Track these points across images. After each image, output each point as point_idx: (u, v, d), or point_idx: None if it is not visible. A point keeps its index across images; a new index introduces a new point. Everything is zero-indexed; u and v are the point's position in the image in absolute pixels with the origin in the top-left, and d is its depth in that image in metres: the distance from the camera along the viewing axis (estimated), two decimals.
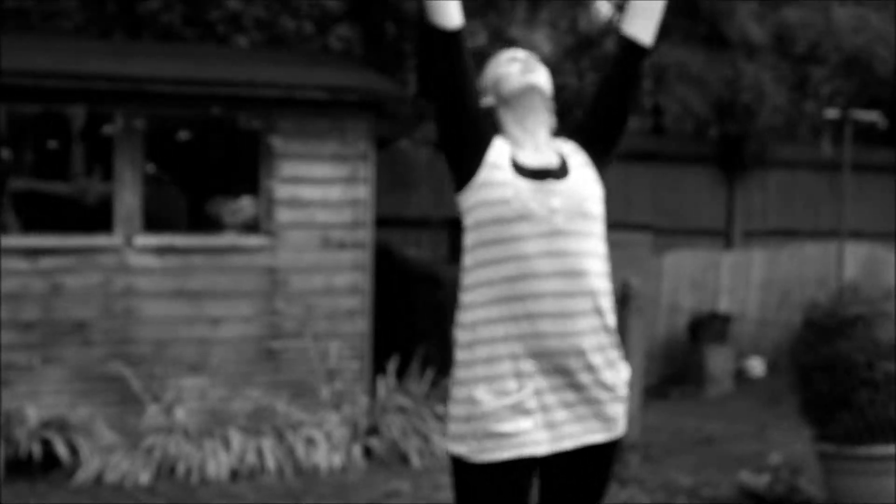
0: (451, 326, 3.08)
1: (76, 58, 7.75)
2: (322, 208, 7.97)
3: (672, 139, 13.01)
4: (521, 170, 2.82)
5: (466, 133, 2.84)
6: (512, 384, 2.76)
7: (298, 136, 7.89)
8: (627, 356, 7.56)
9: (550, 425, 2.79)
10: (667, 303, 10.88)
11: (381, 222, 9.90)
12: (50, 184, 7.91)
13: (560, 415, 2.79)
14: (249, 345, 7.82)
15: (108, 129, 7.49)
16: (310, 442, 7.35)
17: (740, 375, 11.04)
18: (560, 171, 2.85)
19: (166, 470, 7.05)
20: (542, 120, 2.93)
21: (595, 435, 2.83)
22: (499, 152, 2.84)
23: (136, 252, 7.56)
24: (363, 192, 8.06)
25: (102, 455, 7.03)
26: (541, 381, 2.77)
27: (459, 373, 2.82)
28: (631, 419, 7.65)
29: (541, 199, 2.78)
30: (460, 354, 2.83)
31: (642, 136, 13.52)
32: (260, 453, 7.21)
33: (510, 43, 12.87)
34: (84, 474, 6.91)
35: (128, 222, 7.54)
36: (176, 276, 7.64)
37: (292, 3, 11.95)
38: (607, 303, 2.84)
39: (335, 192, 7.99)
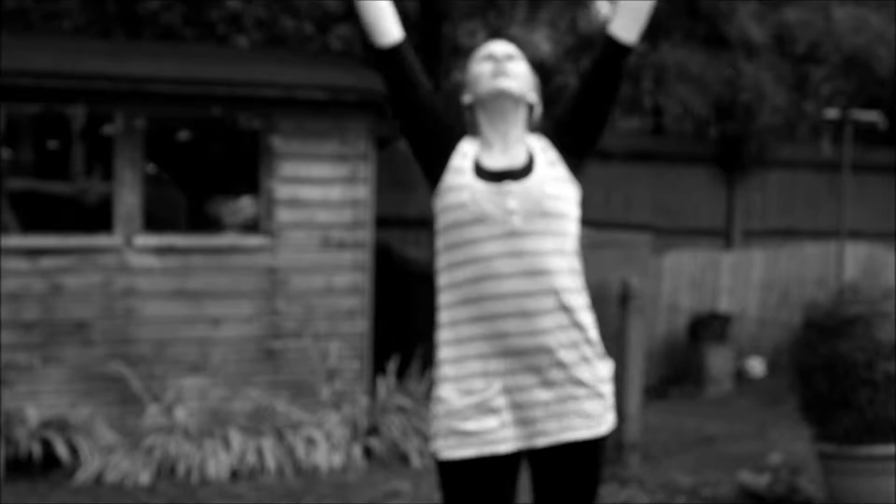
0: None
1: (76, 58, 7.75)
2: (322, 208, 7.97)
3: (672, 139, 13.01)
4: (481, 172, 2.85)
5: (426, 142, 2.93)
6: (479, 383, 2.81)
7: (298, 136, 7.90)
8: (627, 356, 7.59)
9: (522, 423, 2.82)
10: (667, 303, 10.89)
11: (381, 222, 9.90)
12: (50, 184, 7.90)
13: (534, 412, 2.81)
14: (249, 345, 7.83)
15: (108, 129, 7.49)
16: (310, 442, 7.35)
17: (740, 375, 11.04)
18: (522, 171, 2.86)
19: (166, 470, 7.05)
20: (512, 121, 2.94)
21: (576, 432, 2.84)
22: (463, 156, 2.90)
23: (137, 252, 7.56)
24: (363, 191, 8.06)
25: (102, 455, 7.03)
26: (510, 380, 2.81)
27: (436, 371, 2.91)
28: (631, 419, 7.68)
29: (497, 201, 2.81)
30: (437, 353, 2.91)
31: (642, 136, 13.53)
32: (260, 453, 7.21)
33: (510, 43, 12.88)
34: (84, 474, 6.91)
35: (128, 222, 7.54)
36: (176, 276, 7.64)
37: (292, 3, 11.95)
38: (576, 300, 2.85)
39: (335, 192, 8.00)
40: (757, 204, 12.82)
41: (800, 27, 11.05)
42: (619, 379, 7.68)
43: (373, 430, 7.68)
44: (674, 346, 10.83)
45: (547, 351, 2.81)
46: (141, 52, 8.44)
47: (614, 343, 7.68)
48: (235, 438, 7.22)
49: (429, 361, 8.21)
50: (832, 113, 11.30)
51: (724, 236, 12.57)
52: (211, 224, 8.05)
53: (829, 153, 12.23)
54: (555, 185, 2.86)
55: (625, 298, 7.54)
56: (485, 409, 2.81)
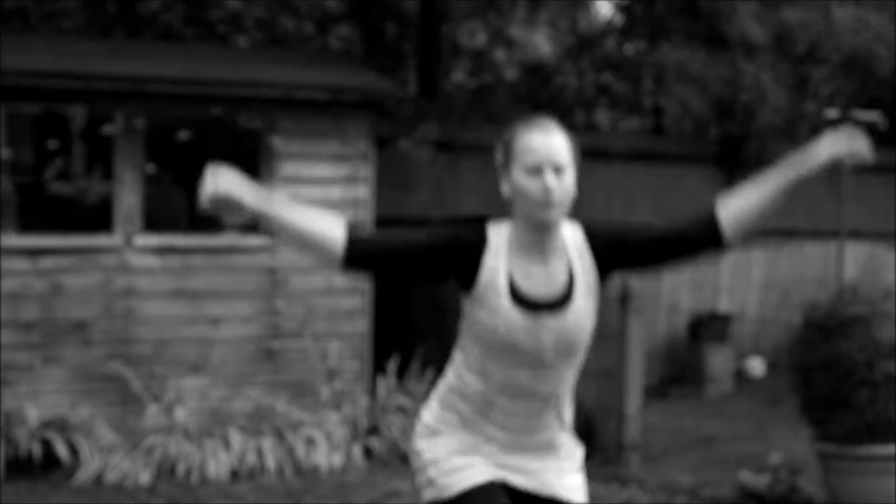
0: (450, 326, 3.11)
1: (76, 58, 7.75)
2: (322, 208, 7.95)
3: (672, 139, 13.01)
4: (518, 298, 2.78)
5: (446, 275, 2.84)
6: (474, 451, 2.91)
7: (299, 136, 7.89)
8: (627, 356, 7.59)
9: (510, 467, 2.92)
10: (666, 303, 10.88)
11: (382, 222, 9.89)
12: (50, 184, 7.90)
13: (518, 467, 2.92)
14: (249, 345, 7.82)
15: (108, 129, 7.48)
16: (310, 442, 7.34)
17: (740, 375, 11.03)
18: (560, 301, 2.81)
19: (166, 470, 7.05)
20: (553, 233, 2.82)
21: (553, 489, 2.93)
22: (493, 271, 2.78)
23: (137, 252, 7.56)
24: (363, 191, 8.05)
25: (103, 455, 7.03)
26: (503, 456, 2.91)
27: (422, 433, 2.96)
28: (631, 419, 7.67)
29: (532, 335, 2.80)
30: (427, 421, 2.96)
31: (643, 136, 13.52)
32: (260, 453, 7.21)
33: (509, 43, 12.88)
34: (84, 474, 6.91)
35: (128, 222, 7.54)
36: (176, 275, 7.64)
37: (292, 3, 11.95)
38: (565, 407, 2.96)
39: (335, 192, 7.99)
40: None
41: (800, 27, 11.05)
42: (619, 379, 7.67)
43: (373, 430, 7.67)
44: (674, 346, 10.82)
45: (535, 447, 2.92)
46: (141, 52, 8.43)
47: (614, 343, 7.67)
48: (235, 438, 7.21)
49: (429, 361, 8.20)
50: (832, 113, 11.28)
51: None
52: (211, 224, 8.04)
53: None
54: (588, 317, 2.85)
55: (625, 298, 7.53)
56: (472, 453, 2.90)
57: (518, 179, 2.77)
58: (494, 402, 2.86)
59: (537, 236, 2.80)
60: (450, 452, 2.90)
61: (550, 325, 2.80)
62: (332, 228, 2.74)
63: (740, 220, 2.84)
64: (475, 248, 2.80)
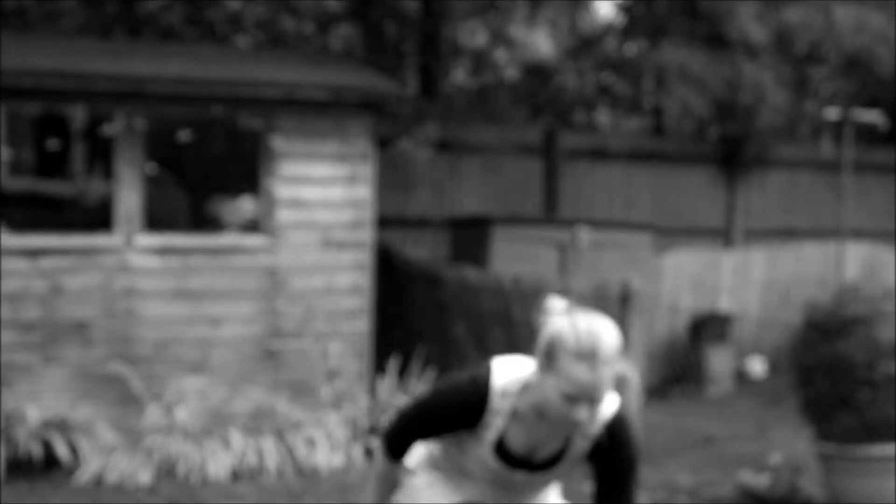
0: (451, 326, 3.12)
1: (76, 58, 7.75)
2: (322, 208, 7.96)
3: (673, 139, 13.01)
4: (501, 452, 2.79)
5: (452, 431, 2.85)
6: (444, 485, 2.94)
7: (299, 136, 7.89)
8: (628, 356, 7.57)
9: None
10: (667, 302, 10.88)
11: (382, 222, 9.90)
12: (50, 184, 7.90)
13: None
14: (250, 345, 7.82)
15: (108, 129, 7.48)
16: (310, 442, 7.34)
17: (741, 375, 11.03)
18: (542, 465, 2.81)
19: (167, 470, 7.04)
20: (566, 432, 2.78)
21: None
22: (488, 426, 2.77)
23: (137, 252, 7.56)
24: (364, 191, 8.05)
25: (103, 455, 7.02)
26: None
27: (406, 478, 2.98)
28: (631, 419, 7.66)
29: (502, 479, 2.83)
30: (409, 464, 2.97)
31: (643, 136, 13.52)
32: (260, 453, 7.20)
33: (510, 43, 12.86)
34: (84, 474, 6.90)
35: (128, 222, 7.53)
36: (176, 275, 7.63)
37: (292, 3, 11.96)
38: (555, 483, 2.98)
39: (336, 192, 7.99)
40: (758, 204, 12.82)
41: (800, 27, 11.05)
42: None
43: (373, 430, 7.67)
44: (674, 345, 10.82)
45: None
46: (141, 52, 8.44)
47: None
48: (236, 438, 7.21)
49: (429, 361, 8.20)
50: (833, 113, 11.30)
51: (724, 236, 12.56)
52: (211, 224, 8.04)
53: (829, 153, 12.22)
54: (566, 471, 2.85)
55: (625, 298, 7.53)
56: (450, 482, 2.94)
57: (550, 395, 2.64)
58: (473, 479, 2.90)
59: (549, 433, 2.77)
60: (431, 483, 2.94)
61: (523, 479, 2.83)
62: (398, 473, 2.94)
63: None
64: (474, 411, 2.76)
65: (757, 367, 11.26)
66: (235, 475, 7.12)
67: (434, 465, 2.95)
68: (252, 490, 6.90)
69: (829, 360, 6.25)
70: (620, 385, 2.78)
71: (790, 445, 7.62)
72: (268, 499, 6.74)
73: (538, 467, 2.80)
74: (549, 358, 2.64)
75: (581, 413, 2.62)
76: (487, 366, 2.78)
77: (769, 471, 6.59)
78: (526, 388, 2.73)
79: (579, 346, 2.61)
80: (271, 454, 7.18)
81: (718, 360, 10.52)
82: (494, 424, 2.75)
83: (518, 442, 2.76)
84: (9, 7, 10.92)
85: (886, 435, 6.16)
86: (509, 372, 2.77)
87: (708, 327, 10.54)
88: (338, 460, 7.33)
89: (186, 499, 6.69)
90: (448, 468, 2.93)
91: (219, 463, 7.07)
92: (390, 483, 2.93)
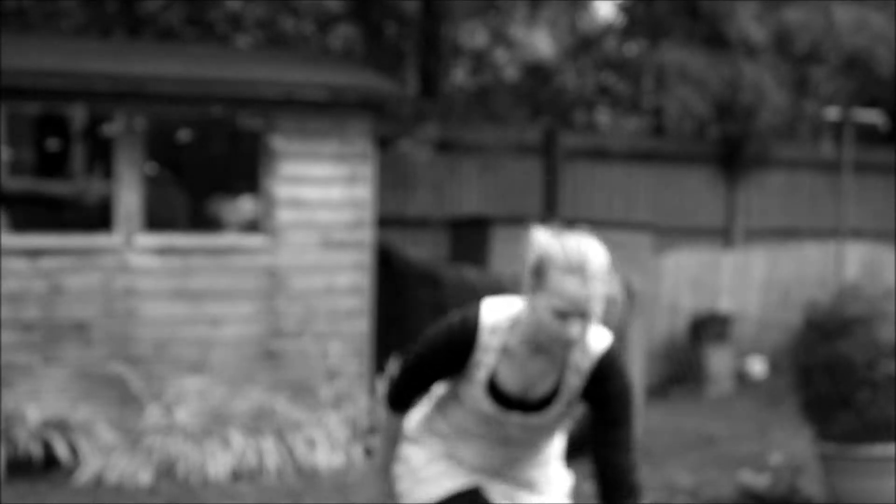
0: None
1: (76, 57, 7.74)
2: (322, 208, 7.96)
3: (673, 139, 13.00)
4: (494, 393, 2.79)
5: (449, 374, 2.86)
6: (442, 464, 2.93)
7: (299, 136, 7.88)
8: (628, 356, 7.56)
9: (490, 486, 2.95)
10: (667, 302, 10.88)
11: (382, 222, 9.89)
12: (50, 184, 7.90)
13: (497, 491, 2.94)
14: (250, 345, 7.81)
15: (108, 129, 7.48)
16: (310, 442, 7.34)
17: (741, 375, 11.03)
18: (536, 406, 2.79)
19: (166, 470, 7.03)
20: (559, 359, 2.77)
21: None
22: (479, 364, 2.77)
23: (137, 252, 7.55)
24: (363, 191, 8.05)
25: (102, 455, 7.02)
26: (479, 476, 2.93)
27: (407, 440, 2.99)
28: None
29: (498, 423, 2.82)
30: (412, 434, 2.98)
31: (643, 136, 13.51)
32: (260, 453, 7.20)
33: (510, 43, 12.86)
34: (84, 474, 6.90)
35: (128, 222, 7.53)
36: (176, 276, 7.63)
37: (292, 3, 11.95)
38: (550, 449, 2.96)
39: (336, 192, 7.99)
40: (758, 204, 12.81)
41: (800, 27, 11.04)
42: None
43: (373, 430, 7.66)
44: (674, 345, 10.82)
45: (514, 482, 2.94)
46: (141, 52, 8.43)
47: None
48: (236, 438, 7.21)
49: None
50: (833, 113, 11.29)
51: (724, 236, 12.56)
52: (211, 224, 8.04)
53: (829, 153, 12.21)
54: (563, 417, 2.84)
55: (626, 299, 7.52)
56: (450, 459, 2.93)
57: (542, 313, 2.65)
58: (470, 435, 2.90)
59: (544, 357, 2.76)
60: (430, 460, 2.93)
61: (517, 422, 2.81)
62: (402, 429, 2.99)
63: None
64: (463, 349, 2.76)
65: (757, 367, 11.25)
66: (235, 475, 7.11)
67: (432, 430, 2.95)
68: (252, 490, 6.90)
69: (830, 360, 6.25)
70: (610, 307, 2.75)
71: (790, 445, 7.62)
72: (268, 499, 6.73)
73: (532, 409, 2.78)
74: (539, 276, 2.65)
75: (574, 329, 2.62)
76: (477, 305, 2.80)
77: (769, 471, 6.59)
78: (516, 323, 2.74)
79: (568, 261, 2.63)
80: (271, 454, 7.17)
81: (718, 360, 10.52)
82: (485, 362, 2.76)
83: (510, 380, 2.76)
84: (9, 7, 10.91)
85: (886, 435, 6.16)
86: (499, 310, 2.78)
87: (708, 327, 10.54)
88: (338, 460, 7.33)
89: (186, 499, 6.68)
90: (445, 431, 2.92)
91: (219, 463, 7.06)
92: (397, 439, 2.97)
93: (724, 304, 11.28)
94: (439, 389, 2.94)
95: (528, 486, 2.96)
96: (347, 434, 7.51)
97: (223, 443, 7.18)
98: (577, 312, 2.63)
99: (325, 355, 7.91)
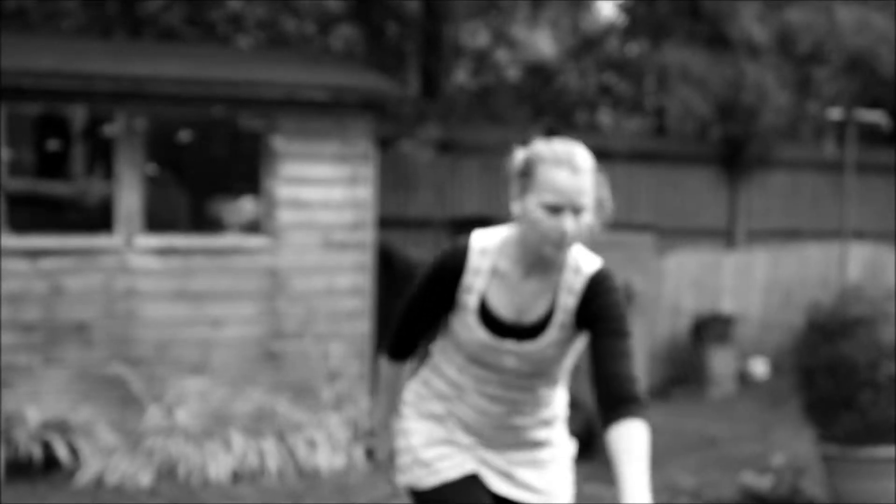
0: None
1: (77, 58, 7.73)
2: (323, 209, 7.94)
3: (675, 140, 12.98)
4: (487, 319, 2.77)
5: (447, 307, 2.85)
6: (448, 434, 2.90)
7: (300, 137, 7.87)
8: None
9: (488, 464, 2.90)
10: (669, 303, 10.86)
11: (383, 223, 9.87)
12: (50, 184, 7.88)
13: (496, 463, 2.90)
14: (251, 346, 7.80)
15: (108, 130, 7.47)
16: (311, 443, 7.32)
17: (743, 376, 11.00)
18: (531, 331, 2.76)
19: (167, 471, 7.02)
20: (552, 277, 2.75)
21: (529, 494, 2.91)
22: (470, 289, 2.77)
23: (137, 253, 7.54)
24: (365, 192, 8.03)
25: (103, 456, 7.00)
26: (477, 443, 2.89)
27: (408, 410, 2.96)
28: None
29: (494, 354, 2.78)
30: (411, 398, 2.96)
31: (645, 136, 13.49)
32: (261, 455, 7.18)
33: (511, 43, 12.86)
34: (84, 476, 6.88)
35: (128, 223, 7.52)
36: (177, 276, 7.61)
37: (293, 4, 11.93)
38: (549, 411, 2.90)
39: (337, 193, 7.97)
40: (760, 204, 12.79)
41: (803, 27, 11.02)
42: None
43: (374, 432, 7.64)
44: (676, 346, 10.79)
45: (512, 437, 2.89)
46: (142, 53, 8.42)
47: None
48: (236, 440, 7.19)
49: None
50: (835, 113, 11.27)
51: (726, 237, 12.53)
52: (212, 225, 8.03)
53: (832, 154, 12.19)
54: (559, 347, 2.79)
55: (627, 299, 7.50)
56: (452, 443, 2.89)
57: (533, 211, 2.66)
58: (468, 391, 2.85)
59: (536, 258, 2.73)
60: (430, 441, 2.89)
61: (513, 350, 2.77)
62: (405, 372, 3.02)
63: (608, 447, 2.62)
64: (453, 273, 2.76)
65: (759, 368, 11.23)
66: (236, 476, 7.10)
67: (430, 391, 2.92)
68: (253, 491, 6.88)
69: (832, 361, 6.23)
70: (599, 207, 2.76)
71: (792, 447, 7.60)
72: (269, 500, 6.72)
73: (527, 335, 2.75)
74: (528, 175, 2.67)
75: (566, 222, 2.62)
76: (467, 235, 2.84)
77: (771, 472, 6.57)
78: (506, 244, 2.76)
79: (556, 155, 2.66)
80: (272, 455, 7.16)
81: (720, 362, 10.50)
82: (476, 287, 2.75)
83: (503, 304, 2.75)
84: (9, 7, 10.90)
85: (889, 436, 6.14)
86: (487, 235, 2.80)
87: (710, 328, 10.51)
88: (339, 461, 7.31)
89: (187, 500, 6.67)
90: (444, 391, 2.89)
91: (220, 464, 7.05)
92: (397, 391, 2.99)
93: (726, 305, 11.26)
94: (435, 348, 2.93)
95: (533, 444, 2.91)
96: (348, 435, 7.49)
97: (224, 444, 7.17)
98: (568, 205, 2.63)
99: (326, 356, 7.89)
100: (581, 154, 2.67)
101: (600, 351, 2.64)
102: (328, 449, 7.31)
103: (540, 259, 2.72)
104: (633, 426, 2.54)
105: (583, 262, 2.76)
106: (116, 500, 6.63)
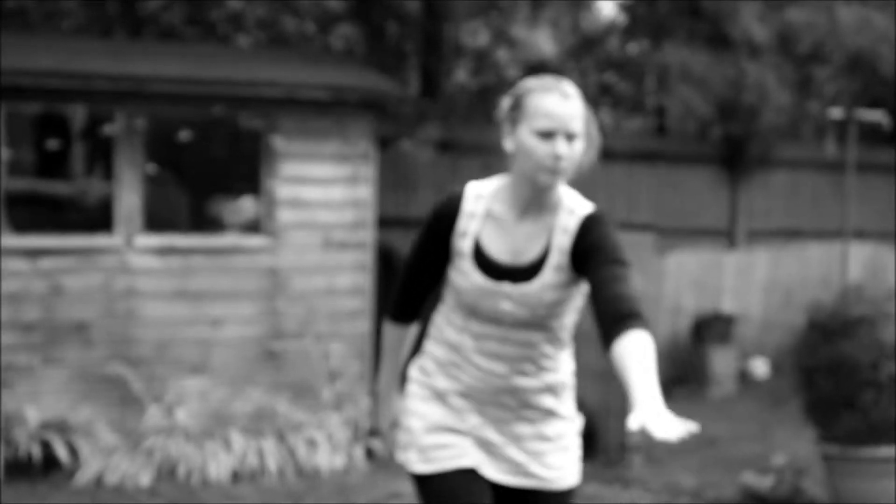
0: None
1: (77, 57, 7.71)
2: (324, 208, 7.92)
3: (675, 139, 12.97)
4: (482, 263, 2.77)
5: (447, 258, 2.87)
6: (454, 416, 2.86)
7: (300, 136, 7.85)
8: None
9: (488, 453, 2.87)
10: (670, 303, 10.84)
11: (383, 222, 9.83)
12: (50, 184, 7.86)
13: (497, 446, 2.86)
14: (251, 346, 7.78)
15: (108, 129, 7.45)
16: (311, 443, 7.31)
17: (744, 376, 10.98)
18: (526, 273, 2.75)
19: (167, 471, 7.01)
20: (547, 198, 2.77)
21: (535, 482, 2.88)
22: (464, 234, 2.79)
23: (137, 252, 7.52)
24: (365, 192, 8.01)
25: (103, 456, 6.99)
26: (480, 419, 2.86)
27: (412, 389, 2.95)
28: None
29: (491, 299, 2.77)
30: (416, 375, 2.96)
31: (645, 136, 13.47)
32: (261, 454, 7.16)
33: (512, 42, 12.84)
34: (84, 476, 6.87)
35: (128, 222, 7.50)
36: (177, 276, 7.60)
37: (294, 3, 11.92)
38: (553, 376, 2.88)
39: (337, 193, 7.95)
40: (761, 204, 12.78)
41: (803, 27, 11.01)
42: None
43: (375, 432, 7.63)
44: (677, 347, 10.78)
45: (515, 409, 2.86)
46: (142, 52, 8.40)
47: None
48: (236, 440, 7.17)
49: None
50: (836, 113, 11.25)
51: (727, 237, 12.51)
52: (212, 224, 8.01)
53: (833, 153, 12.17)
54: (556, 292, 2.77)
55: None
56: (460, 432, 2.86)
57: (526, 140, 2.71)
58: (468, 351, 2.84)
59: (531, 197, 2.76)
60: (430, 427, 2.87)
61: (509, 293, 2.76)
62: (409, 337, 3.05)
63: (614, 364, 2.57)
64: (448, 219, 2.81)
65: (760, 368, 11.21)
66: (236, 476, 7.08)
67: (432, 367, 2.91)
68: (253, 491, 6.87)
69: (833, 361, 6.21)
70: (590, 141, 2.79)
71: (793, 447, 7.58)
72: (269, 500, 6.70)
73: (522, 277, 2.74)
74: (518, 107, 2.74)
75: (559, 146, 2.66)
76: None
77: (772, 472, 6.55)
78: (500, 188, 2.80)
79: (544, 84, 2.74)
80: (272, 455, 7.14)
81: (721, 362, 10.48)
82: (471, 230, 2.78)
83: (498, 247, 2.77)
84: (9, 7, 10.89)
85: (890, 436, 6.12)
86: (482, 183, 2.86)
87: (710, 328, 10.50)
88: (339, 461, 7.29)
89: (187, 500, 6.65)
90: (445, 357, 2.88)
91: (220, 464, 7.03)
92: (400, 356, 3.03)
93: (727, 305, 11.24)
94: (436, 316, 2.93)
95: (537, 432, 2.87)
96: (349, 435, 7.47)
97: (224, 444, 7.15)
98: (561, 129, 2.68)
99: (326, 356, 7.87)
100: (569, 84, 2.75)
101: (598, 278, 2.63)
102: (328, 449, 7.29)
103: (535, 195, 2.75)
104: (637, 337, 2.49)
105: (577, 205, 2.79)
106: (116, 500, 6.61)
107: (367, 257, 8.06)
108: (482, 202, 2.80)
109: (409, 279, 2.90)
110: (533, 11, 12.46)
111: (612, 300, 2.56)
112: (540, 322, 2.79)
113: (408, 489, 6.85)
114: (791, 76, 11.29)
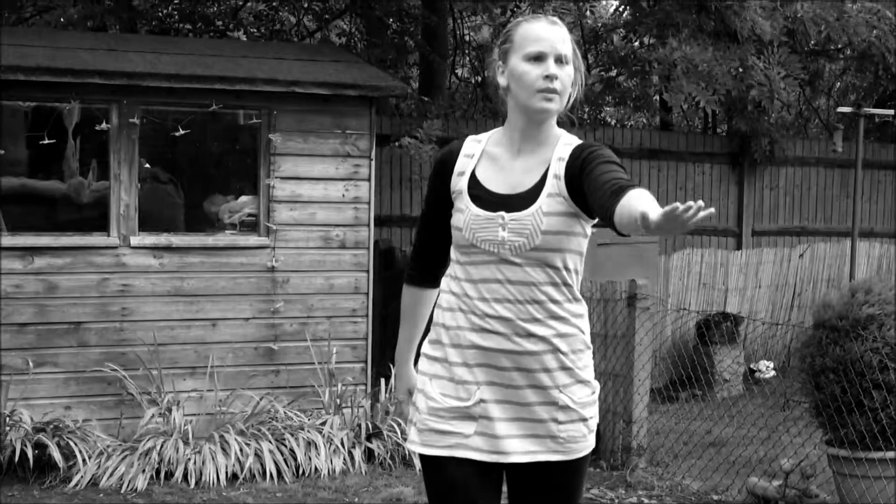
0: None
1: (71, 53, 7.62)
2: (322, 207, 7.83)
3: (681, 136, 12.86)
4: (478, 195, 2.82)
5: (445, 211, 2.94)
6: (461, 391, 2.85)
7: (298, 133, 7.76)
8: (635, 357, 7.43)
9: (490, 437, 2.84)
10: (675, 303, 10.74)
11: (383, 221, 9.77)
12: (44, 182, 7.76)
13: (501, 429, 2.82)
14: (248, 346, 7.69)
15: (103, 126, 7.35)
16: (310, 445, 7.22)
17: (750, 377, 10.89)
18: (522, 200, 2.79)
19: (164, 474, 6.93)
20: (545, 128, 2.85)
21: (547, 455, 2.84)
22: (462, 174, 2.87)
23: (133, 251, 7.43)
24: (364, 190, 7.92)
25: (98, 459, 6.91)
26: (487, 393, 2.83)
27: (421, 365, 2.97)
28: (638, 422, 7.53)
29: (489, 230, 2.79)
30: (425, 348, 2.97)
31: (651, 132, 13.36)
32: (259, 457, 7.09)
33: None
34: (79, 479, 6.79)
35: (124, 221, 7.41)
36: (173, 276, 7.51)
37: None
38: (565, 327, 2.83)
39: (335, 191, 7.86)
40: (767, 202, 12.67)
41: (812, 22, 10.89)
42: (626, 381, 7.53)
43: (374, 433, 7.55)
44: (682, 347, 10.68)
45: (527, 372, 2.82)
46: (137, 47, 8.29)
47: (621, 344, 7.53)
48: (234, 442, 7.09)
49: None
50: (845, 109, 11.14)
51: (733, 235, 12.42)
52: (209, 223, 7.91)
53: (841, 150, 12.07)
54: (553, 219, 2.78)
55: (632, 299, 7.39)
56: (463, 414, 2.84)
57: (518, 66, 2.78)
58: (474, 300, 2.82)
59: (528, 128, 2.81)
60: (433, 410, 2.86)
61: (507, 222, 2.78)
62: (428, 301, 3.09)
63: (622, 219, 2.52)
64: (448, 163, 2.89)
65: (766, 368, 11.11)
66: (234, 479, 7.01)
67: (441, 334, 2.89)
68: (251, 494, 6.79)
69: (841, 362, 6.11)
70: (577, 72, 2.88)
71: (800, 449, 7.47)
72: (267, 503, 6.62)
73: (519, 206, 2.76)
74: (507, 41, 2.83)
75: (551, 67, 2.74)
76: None
77: (779, 475, 6.46)
78: (495, 132, 2.91)
79: (530, 16, 2.88)
80: (270, 457, 7.06)
81: (727, 362, 10.38)
82: (468, 168, 2.85)
83: (494, 181, 2.82)
84: (3, 2, 10.80)
85: None
86: (481, 134, 2.99)
87: (716, 328, 10.39)
88: (338, 464, 7.21)
89: (183, 503, 6.57)
90: (451, 322, 2.86)
91: (217, 467, 6.95)
92: (417, 320, 3.07)
93: (733, 305, 11.14)
94: (444, 281, 2.95)
95: (550, 397, 2.82)
96: (348, 437, 7.39)
97: (221, 446, 7.08)
98: (551, 51, 2.76)
99: (325, 357, 7.78)
100: (556, 17, 2.87)
101: (593, 175, 2.66)
102: (327, 451, 7.21)
103: (531, 127, 2.81)
104: (636, 191, 2.51)
105: (573, 139, 2.87)
106: (112, 503, 6.53)
107: (367, 256, 7.96)
108: (480, 146, 2.90)
109: (421, 235, 2.99)
110: (536, 6, 12.36)
111: (609, 182, 2.60)
112: (539, 258, 2.78)
113: (408, 492, 6.76)
114: (799, 72, 11.18)
